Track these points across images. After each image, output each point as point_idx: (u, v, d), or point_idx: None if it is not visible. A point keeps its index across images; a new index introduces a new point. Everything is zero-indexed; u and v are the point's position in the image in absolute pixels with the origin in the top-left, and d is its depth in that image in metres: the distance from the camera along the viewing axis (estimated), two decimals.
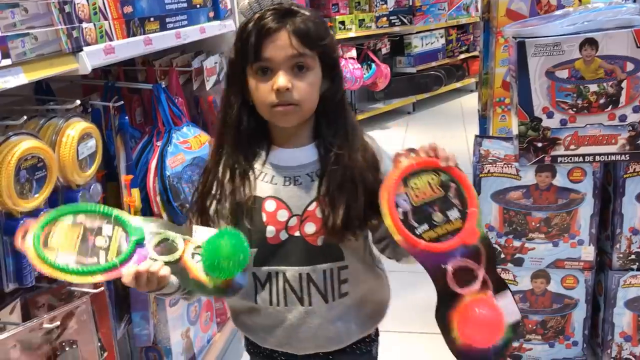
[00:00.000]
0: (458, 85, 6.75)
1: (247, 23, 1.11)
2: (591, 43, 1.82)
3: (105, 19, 1.46)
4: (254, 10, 1.10)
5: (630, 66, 1.81)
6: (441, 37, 6.43)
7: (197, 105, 2.20)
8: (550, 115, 1.90)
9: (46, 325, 1.30)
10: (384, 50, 5.81)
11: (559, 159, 1.94)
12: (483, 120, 3.65)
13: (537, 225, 2.04)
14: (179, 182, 1.70)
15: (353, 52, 5.30)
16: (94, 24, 1.40)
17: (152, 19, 1.68)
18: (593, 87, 1.85)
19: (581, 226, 2.01)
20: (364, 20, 5.38)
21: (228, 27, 2.22)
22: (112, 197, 1.68)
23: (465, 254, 1.05)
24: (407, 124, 5.97)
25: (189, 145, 1.78)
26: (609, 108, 1.86)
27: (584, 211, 1.99)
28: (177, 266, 1.01)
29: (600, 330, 2.12)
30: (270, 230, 1.14)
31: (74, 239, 0.98)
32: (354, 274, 1.17)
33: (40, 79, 1.22)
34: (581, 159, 1.92)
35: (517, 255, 2.09)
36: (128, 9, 1.56)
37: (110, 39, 1.47)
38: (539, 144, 1.94)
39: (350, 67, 5.17)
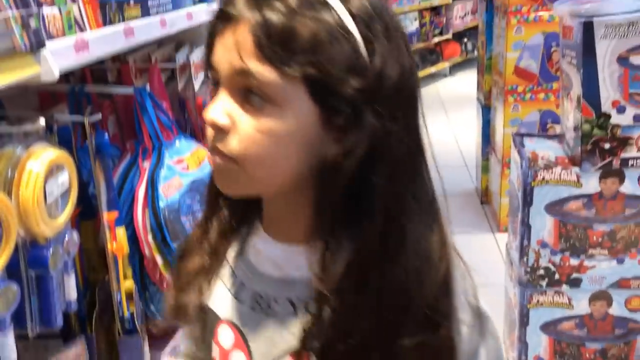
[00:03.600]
0: (432, 70, 6.45)
1: None
2: None
3: (74, 0, 1.04)
4: None
5: None
6: (415, 19, 6.10)
7: (183, 109, 1.79)
8: (621, 110, 1.58)
9: None
10: None
11: (630, 162, 1.63)
12: (486, 109, 3.35)
13: (600, 239, 1.73)
14: (176, 216, 1.30)
15: None
16: (59, 9, 0.99)
17: (131, 2, 1.27)
18: None
19: None
20: None
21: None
22: (89, 242, 1.27)
23: None
24: None
25: (184, 165, 1.38)
26: None
27: None
28: None
29: None
30: None
31: None
32: None
33: None
34: None
35: (575, 275, 1.78)
36: None
37: (82, 30, 1.06)
38: (607, 145, 1.62)
39: None
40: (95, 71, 1.62)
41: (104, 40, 1.12)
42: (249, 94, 0.60)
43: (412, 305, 0.59)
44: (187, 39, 1.87)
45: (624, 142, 1.60)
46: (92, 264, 1.30)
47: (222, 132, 0.61)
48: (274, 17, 0.57)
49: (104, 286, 1.25)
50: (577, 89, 1.61)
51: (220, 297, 0.70)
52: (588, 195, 1.68)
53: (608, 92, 1.57)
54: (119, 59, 1.65)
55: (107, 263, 1.24)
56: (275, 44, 0.57)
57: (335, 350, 0.60)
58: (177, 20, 1.51)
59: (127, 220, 1.31)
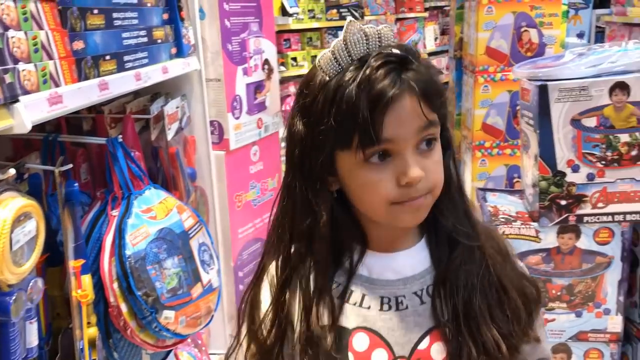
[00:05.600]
0: None
1: (339, 85, 0.76)
2: (622, 87, 1.59)
3: (50, 57, 1.09)
4: (342, 63, 0.78)
5: None
6: None
7: (156, 159, 1.83)
8: (575, 169, 1.66)
9: None
10: None
11: (585, 219, 1.69)
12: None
13: (558, 293, 1.78)
14: (142, 264, 1.33)
15: None
16: (35, 65, 1.04)
17: (107, 57, 1.32)
18: (624, 137, 1.62)
19: (608, 293, 1.76)
20: (316, 57, 5.13)
21: (192, 65, 1.88)
22: (55, 288, 1.28)
23: None
24: None
25: (153, 214, 1.41)
26: None
27: (611, 276, 1.75)
28: None
29: None
30: None
31: None
32: None
33: None
34: (610, 218, 1.68)
35: None
36: (78, 45, 1.20)
37: (57, 85, 1.11)
38: (563, 202, 1.69)
39: None
40: (70, 119, 1.66)
41: (78, 94, 1.17)
42: (424, 143, 0.77)
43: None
44: (162, 90, 1.93)
45: (579, 200, 1.67)
46: (57, 310, 1.31)
47: (420, 179, 0.77)
48: (425, 77, 0.76)
49: (66, 333, 1.26)
50: (534, 148, 1.69)
51: (346, 314, 0.82)
52: (546, 250, 1.74)
53: (563, 152, 1.64)
54: (95, 108, 1.69)
55: (71, 310, 1.25)
56: (436, 96, 0.77)
57: (462, 316, 0.78)
58: (153, 74, 1.57)
59: (94, 268, 1.33)
